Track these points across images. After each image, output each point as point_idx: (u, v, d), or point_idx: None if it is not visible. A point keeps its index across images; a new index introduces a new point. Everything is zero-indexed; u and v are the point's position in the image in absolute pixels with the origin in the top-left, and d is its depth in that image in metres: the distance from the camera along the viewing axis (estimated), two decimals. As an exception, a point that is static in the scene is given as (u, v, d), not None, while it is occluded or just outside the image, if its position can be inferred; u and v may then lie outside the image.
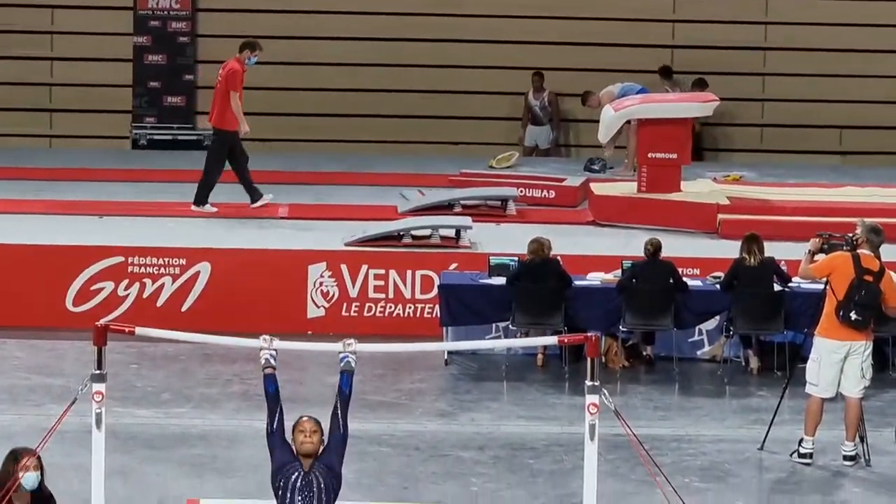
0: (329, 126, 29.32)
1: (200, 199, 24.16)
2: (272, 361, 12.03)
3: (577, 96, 28.54)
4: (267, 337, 12.01)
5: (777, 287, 20.65)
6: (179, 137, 30.03)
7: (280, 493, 11.82)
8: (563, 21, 29.73)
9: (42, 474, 12.38)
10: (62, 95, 30.19)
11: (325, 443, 12.03)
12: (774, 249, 21.07)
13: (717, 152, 29.50)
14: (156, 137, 30.03)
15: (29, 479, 12.33)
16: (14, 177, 26.69)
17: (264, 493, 16.43)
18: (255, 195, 24.22)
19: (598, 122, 25.51)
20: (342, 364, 12.04)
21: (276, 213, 24.55)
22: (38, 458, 12.30)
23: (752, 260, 20.79)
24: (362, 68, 29.22)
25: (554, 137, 29.73)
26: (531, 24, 29.66)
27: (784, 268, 20.87)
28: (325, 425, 12.09)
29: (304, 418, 12.13)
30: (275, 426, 11.97)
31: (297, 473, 11.80)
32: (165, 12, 30.19)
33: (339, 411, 11.93)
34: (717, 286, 21.17)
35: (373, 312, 22.11)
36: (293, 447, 12.00)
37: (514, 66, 29.36)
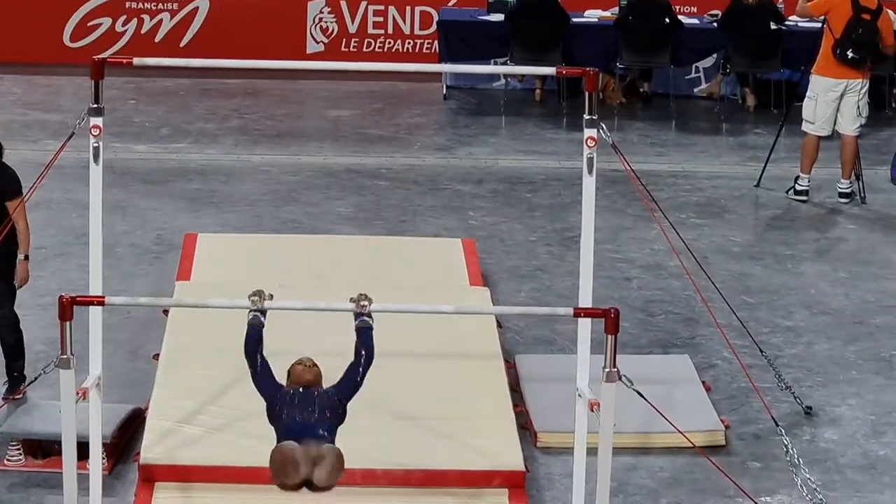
0: None
1: None
2: (262, 319, 10.45)
3: None
4: (263, 293, 10.44)
5: (774, 25, 20.55)
6: None
7: (277, 421, 10.35)
8: None
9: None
10: None
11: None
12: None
13: None
14: None
15: None
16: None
17: (261, 228, 16.58)
18: None
19: None
20: (358, 322, 10.33)
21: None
22: None
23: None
24: None
25: None
26: None
27: (781, 6, 20.76)
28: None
29: (303, 358, 10.63)
30: (258, 367, 10.40)
31: (293, 392, 10.33)
32: None
33: (360, 368, 10.63)
34: (715, 24, 21.11)
35: (372, 48, 22.10)
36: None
37: None
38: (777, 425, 12.76)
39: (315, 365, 10.37)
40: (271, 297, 10.32)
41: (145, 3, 22.20)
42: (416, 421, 12.59)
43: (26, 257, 12.86)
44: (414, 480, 11.96)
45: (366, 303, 10.18)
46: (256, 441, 12.04)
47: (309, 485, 9.93)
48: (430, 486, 11.92)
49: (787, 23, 20.41)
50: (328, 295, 10.89)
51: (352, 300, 10.19)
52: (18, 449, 12.20)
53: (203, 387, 12.93)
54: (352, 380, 10.27)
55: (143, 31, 21.99)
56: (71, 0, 22.13)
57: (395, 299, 10.92)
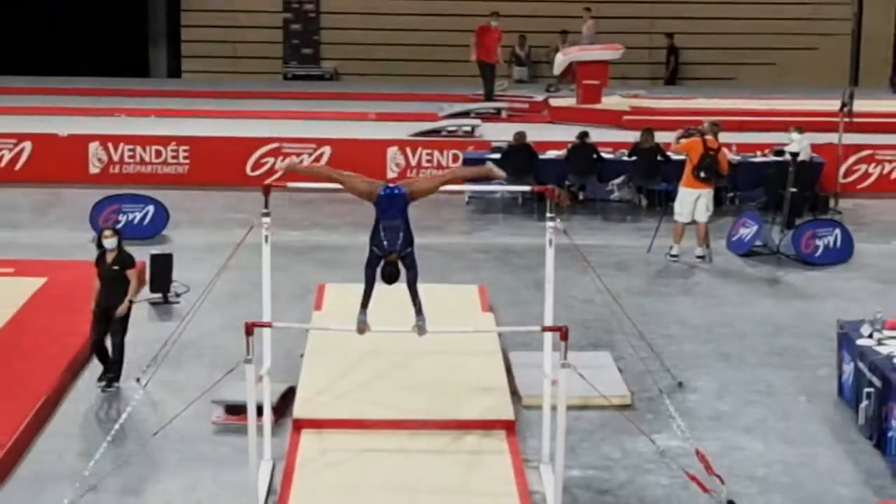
0: (398, 67, 29.07)
1: None
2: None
3: (542, 48, 28.42)
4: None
5: (659, 158, 20.58)
6: (310, 73, 29.88)
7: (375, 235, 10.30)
8: (535, 3, 29.45)
9: (119, 240, 13.00)
10: (243, 48, 29.93)
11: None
12: (658, 136, 20.97)
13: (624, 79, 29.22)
14: (296, 73, 29.89)
15: (109, 242, 12.98)
16: (219, 96, 26.57)
17: (360, 281, 16.48)
18: None
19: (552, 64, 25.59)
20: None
21: (367, 117, 24.47)
22: (116, 230, 13.13)
23: (646, 143, 20.71)
24: (419, 33, 28.97)
25: (529, 73, 29.51)
26: (519, 6, 29.33)
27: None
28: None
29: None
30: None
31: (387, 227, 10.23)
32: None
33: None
34: (623, 158, 21.13)
35: (425, 174, 22.06)
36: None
37: (509, 30, 29.05)
38: (661, 393, 12.74)
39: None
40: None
41: (294, 146, 22.13)
42: (449, 390, 12.63)
43: (131, 301, 13.07)
44: (445, 425, 11.96)
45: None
46: (365, 405, 12.20)
47: None
48: (453, 428, 11.92)
49: (667, 156, 20.38)
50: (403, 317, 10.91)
51: None
52: (222, 411, 12.31)
53: (330, 374, 13.00)
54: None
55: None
56: (251, 144, 22.14)
57: (440, 320, 10.97)
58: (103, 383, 12.91)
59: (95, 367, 13.40)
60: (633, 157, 20.89)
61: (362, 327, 10.54)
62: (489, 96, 25.32)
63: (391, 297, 11.88)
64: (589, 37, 27.09)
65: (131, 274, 12.98)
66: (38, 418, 11.97)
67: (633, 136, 21.50)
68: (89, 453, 11.23)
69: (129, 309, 13.05)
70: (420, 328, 10.45)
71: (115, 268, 12.91)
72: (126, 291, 12.93)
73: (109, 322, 12.93)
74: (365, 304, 10.59)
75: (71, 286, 15.08)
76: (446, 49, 27.14)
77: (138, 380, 12.98)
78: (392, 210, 10.29)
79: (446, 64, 28.46)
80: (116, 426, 11.43)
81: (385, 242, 10.34)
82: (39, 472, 11.25)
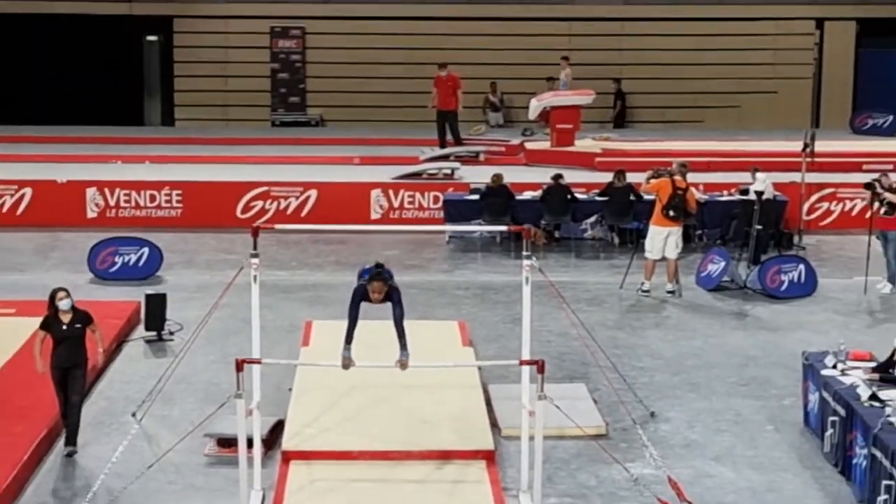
0: (380, 113, 29.08)
1: None
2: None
3: (517, 94, 28.51)
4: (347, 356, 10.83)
5: (632, 197, 20.63)
6: (297, 120, 29.90)
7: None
8: (507, 52, 29.53)
9: (71, 299, 12.27)
10: (233, 97, 29.96)
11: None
12: (629, 177, 21.01)
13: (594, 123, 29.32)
14: (283, 120, 29.91)
15: (64, 303, 12.15)
16: (210, 143, 26.56)
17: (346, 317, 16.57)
18: None
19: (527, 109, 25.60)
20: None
21: (352, 161, 24.47)
22: (66, 290, 12.28)
23: (619, 183, 20.76)
24: (400, 80, 28.98)
25: (504, 118, 29.56)
26: (492, 55, 29.43)
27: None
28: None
29: (374, 284, 10.89)
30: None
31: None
32: (288, 50, 30.00)
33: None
34: (596, 198, 21.15)
35: (407, 216, 22.06)
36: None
37: (481, 77, 29.14)
38: (634, 423, 12.77)
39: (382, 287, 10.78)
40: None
41: (282, 189, 22.20)
42: (431, 422, 12.60)
43: (104, 351, 12.70)
44: (428, 456, 11.92)
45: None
46: (351, 437, 12.14)
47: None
48: (436, 459, 11.87)
49: (639, 195, 20.42)
50: (387, 352, 10.89)
51: None
52: (214, 443, 12.26)
53: (318, 407, 12.95)
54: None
55: (280, 208, 21.97)
56: (241, 188, 22.12)
57: (422, 355, 10.95)
58: (70, 448, 12.14)
59: (95, 400, 13.37)
60: (606, 197, 20.90)
61: (346, 362, 10.56)
62: (457, 141, 25.21)
63: (376, 333, 11.89)
64: (567, 83, 27.19)
65: (94, 328, 12.33)
66: (38, 451, 11.93)
67: (605, 178, 21.54)
68: (89, 484, 11.21)
69: (95, 359, 12.50)
70: (403, 363, 10.46)
71: (78, 326, 12.14)
72: (85, 347, 12.20)
73: (69, 382, 12.13)
74: (349, 339, 10.60)
75: (69, 325, 15.13)
76: (426, 96, 27.07)
77: (134, 414, 12.96)
78: None
79: (426, 110, 28.48)
80: (114, 458, 11.39)
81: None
82: (42, 503, 11.23)
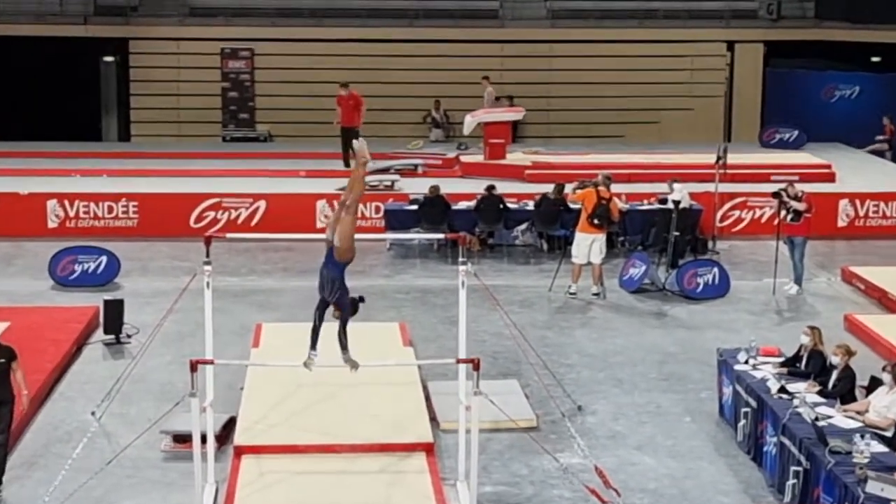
0: (325, 129, 28.95)
1: None
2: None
3: (457, 111, 28.56)
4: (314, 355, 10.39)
5: (561, 207, 20.61)
6: (247, 135, 29.71)
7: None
8: (445, 73, 29.52)
9: None
10: (186, 114, 29.73)
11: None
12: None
13: (524, 138, 29.35)
14: (234, 135, 29.71)
15: None
16: (165, 157, 26.30)
17: (294, 320, 16.42)
18: None
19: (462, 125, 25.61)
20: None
21: (298, 174, 24.33)
22: None
23: (553, 196, 20.56)
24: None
25: (445, 134, 29.52)
26: (430, 75, 29.44)
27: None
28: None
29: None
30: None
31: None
32: (237, 70, 29.85)
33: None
34: (527, 208, 21.11)
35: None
36: None
37: (421, 95, 29.15)
38: (563, 416, 12.80)
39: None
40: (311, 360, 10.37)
41: (233, 200, 22.01)
42: (374, 417, 12.56)
43: (28, 395, 11.31)
44: (371, 448, 11.87)
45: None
46: (299, 432, 12.10)
47: None
48: (379, 451, 11.83)
49: (567, 206, 20.42)
50: (335, 358, 10.82)
51: None
52: (170, 440, 12.16)
53: (268, 405, 12.87)
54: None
55: (231, 218, 21.79)
56: (194, 200, 21.90)
57: (365, 355, 10.91)
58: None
59: (56, 400, 13.23)
60: (539, 207, 20.87)
61: (309, 363, 10.45)
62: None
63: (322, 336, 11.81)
64: (489, 101, 27.22)
65: (16, 367, 11.13)
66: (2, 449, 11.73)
67: (534, 188, 21.57)
68: (49, 480, 11.07)
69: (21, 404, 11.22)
70: (353, 363, 10.42)
71: (2, 360, 11.06)
72: (10, 384, 11.07)
73: None
74: (313, 343, 10.51)
75: (32, 329, 15.00)
76: (368, 113, 27.07)
77: (93, 413, 12.84)
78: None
79: (369, 126, 28.38)
80: (74, 455, 11.26)
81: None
82: (4, 498, 11.03)
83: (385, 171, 24.29)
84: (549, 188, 20.81)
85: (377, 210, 21.95)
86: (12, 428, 11.38)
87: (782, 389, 11.71)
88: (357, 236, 10.90)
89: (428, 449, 11.84)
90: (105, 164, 25.16)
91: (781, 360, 12.74)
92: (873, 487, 9.40)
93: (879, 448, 10.27)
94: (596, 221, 17.93)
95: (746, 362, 12.67)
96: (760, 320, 16.94)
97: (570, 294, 18.05)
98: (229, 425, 12.36)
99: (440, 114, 29.45)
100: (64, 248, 18.83)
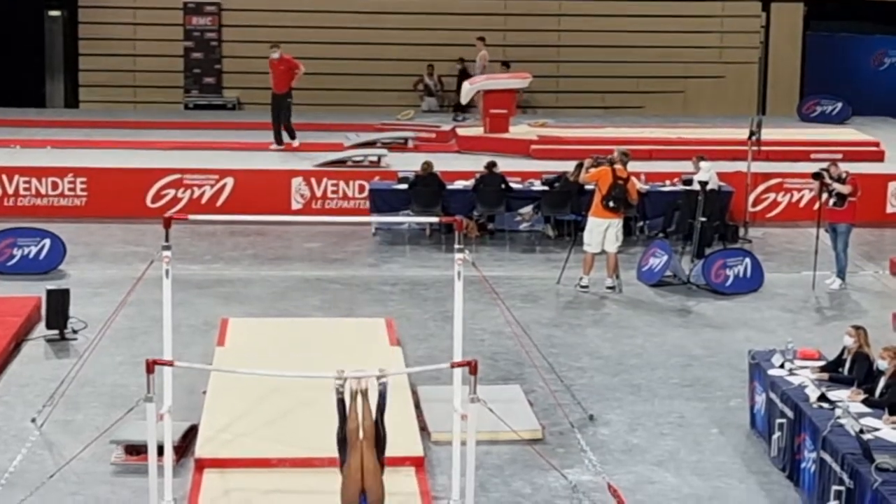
0: (302, 96, 28.95)
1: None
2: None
3: (452, 77, 28.53)
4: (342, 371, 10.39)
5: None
6: (212, 102, 29.68)
7: None
8: (442, 32, 29.48)
9: None
10: (143, 78, 29.70)
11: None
12: (565, 165, 21.06)
13: (531, 108, 29.33)
14: (198, 103, 29.68)
15: None
16: (118, 126, 26.28)
17: (265, 314, 16.50)
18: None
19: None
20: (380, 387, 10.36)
21: (271, 148, 24.29)
22: None
23: (573, 177, 20.35)
24: (324, 62, 28.84)
25: (438, 102, 29.54)
26: (423, 35, 29.40)
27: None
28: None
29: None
30: None
31: None
32: (202, 27, 29.80)
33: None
34: (532, 188, 21.11)
35: (330, 206, 21.98)
36: None
37: (413, 59, 29.14)
38: (572, 426, 12.82)
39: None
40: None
41: (196, 177, 22.02)
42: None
43: None
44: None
45: (385, 379, 10.24)
46: (269, 443, 12.09)
47: None
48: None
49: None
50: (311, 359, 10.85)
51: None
52: (122, 451, 12.15)
53: (234, 412, 12.87)
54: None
55: (194, 197, 21.78)
56: (151, 175, 21.89)
57: (346, 354, 10.90)
58: None
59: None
60: (548, 187, 20.86)
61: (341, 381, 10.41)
62: (287, 127, 24.56)
63: (299, 331, 11.81)
64: (481, 67, 27.22)
65: None
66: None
67: (541, 166, 21.56)
68: (-18, 497, 11.06)
69: None
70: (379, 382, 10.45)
71: None
72: None
73: None
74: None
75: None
76: (352, 78, 27.15)
77: (34, 420, 12.82)
78: None
79: (352, 93, 28.42)
80: (11, 468, 11.26)
81: None
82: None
83: (370, 144, 24.29)
84: (558, 166, 20.81)
85: (361, 189, 21.95)
86: None
87: (822, 398, 11.71)
88: (338, 219, 10.86)
89: (417, 464, 11.84)
90: (49, 133, 25.16)
91: (822, 364, 12.74)
92: (926, 511, 9.40)
93: (934, 466, 10.26)
94: (611, 204, 17.92)
95: (782, 366, 12.67)
96: (798, 319, 16.97)
97: (582, 287, 18.06)
98: (190, 435, 12.34)
99: (434, 80, 29.45)
100: (1, 229, 18.80)
